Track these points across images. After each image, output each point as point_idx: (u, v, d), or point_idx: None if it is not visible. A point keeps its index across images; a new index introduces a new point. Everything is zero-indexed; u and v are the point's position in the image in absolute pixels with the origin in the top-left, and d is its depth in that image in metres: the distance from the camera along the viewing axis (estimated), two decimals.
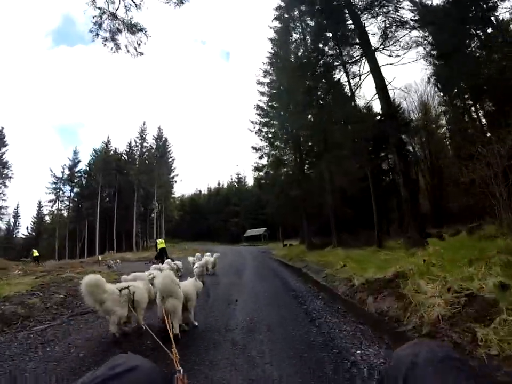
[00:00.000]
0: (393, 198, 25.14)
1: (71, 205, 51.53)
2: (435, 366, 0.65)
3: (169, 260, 10.94)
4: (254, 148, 28.29)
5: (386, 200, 26.50)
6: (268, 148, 28.17)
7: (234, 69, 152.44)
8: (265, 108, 28.42)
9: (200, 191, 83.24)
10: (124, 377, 0.62)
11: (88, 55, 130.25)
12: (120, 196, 49.76)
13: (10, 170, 45.89)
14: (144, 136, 53.55)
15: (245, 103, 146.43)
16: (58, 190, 50.01)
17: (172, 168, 56.59)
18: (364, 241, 18.46)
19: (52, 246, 46.58)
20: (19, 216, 55.66)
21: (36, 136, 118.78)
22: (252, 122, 28.35)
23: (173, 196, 59.63)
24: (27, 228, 54.66)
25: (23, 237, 54.85)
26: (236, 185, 73.53)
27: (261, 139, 28.32)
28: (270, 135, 28.17)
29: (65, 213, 51.60)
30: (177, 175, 56.95)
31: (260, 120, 28.58)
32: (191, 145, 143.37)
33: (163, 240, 18.75)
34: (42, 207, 52.34)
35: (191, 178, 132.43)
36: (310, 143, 24.24)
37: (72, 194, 51.31)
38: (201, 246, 48.35)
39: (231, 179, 75.97)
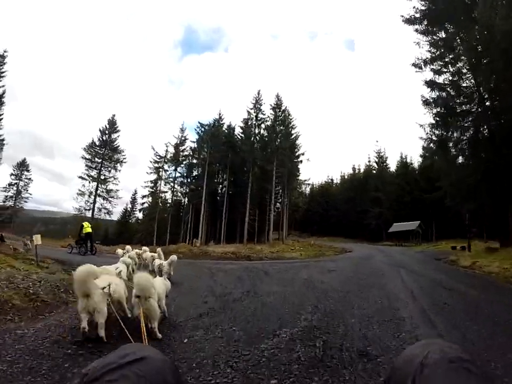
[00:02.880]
0: None
1: (175, 186, 48.34)
2: (445, 367, 0.65)
3: (131, 253, 9.27)
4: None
5: None
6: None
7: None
8: None
9: (331, 180, 73.60)
10: (134, 366, 0.63)
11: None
12: (231, 176, 44.00)
13: (123, 155, 47.52)
14: (259, 106, 45.51)
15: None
16: (160, 170, 47.40)
17: (296, 145, 47.44)
18: None
19: (150, 230, 44.63)
20: (136, 201, 56.40)
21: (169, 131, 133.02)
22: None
23: (297, 179, 50.15)
24: (142, 211, 53.46)
25: (139, 222, 55.24)
26: (376, 165, 59.78)
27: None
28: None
29: (168, 195, 49.32)
30: (303, 153, 47.39)
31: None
32: (320, 132, 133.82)
33: (89, 224, 17.41)
34: (157, 192, 49.99)
35: (321, 165, 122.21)
36: None
37: (177, 175, 48.13)
38: (330, 243, 38.14)
39: (369, 161, 62.47)
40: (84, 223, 17.03)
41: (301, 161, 47.67)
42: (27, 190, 49.73)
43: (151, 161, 47.62)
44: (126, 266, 6.39)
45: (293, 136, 47.64)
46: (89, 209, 44.32)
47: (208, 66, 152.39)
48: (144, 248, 10.52)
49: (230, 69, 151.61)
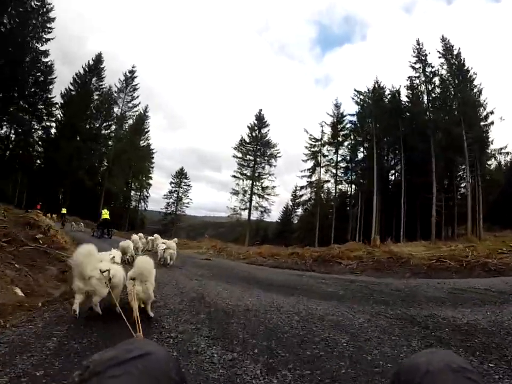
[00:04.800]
0: None
1: (337, 173, 41.76)
2: (448, 376, 0.66)
3: (135, 236, 10.59)
4: None
5: None
6: None
7: None
8: None
9: None
10: (138, 362, 0.63)
11: None
12: (406, 154, 35.26)
13: (276, 150, 45.79)
14: (423, 58, 36.24)
15: None
16: (318, 155, 41.90)
17: (481, 102, 34.82)
18: None
19: (310, 227, 39.67)
20: (296, 198, 50.82)
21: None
22: None
23: (490, 149, 36.03)
24: (301, 206, 48.29)
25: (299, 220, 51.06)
26: None
27: None
28: None
29: (331, 185, 43.29)
30: (492, 112, 34.39)
31: None
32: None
33: (108, 211, 18.98)
34: (316, 182, 44.11)
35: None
36: None
37: (339, 158, 41.75)
38: None
39: None
40: (102, 210, 19.29)
41: (492, 122, 34.66)
42: (187, 196, 52.95)
43: (306, 147, 42.96)
44: (121, 252, 6.20)
45: (475, 90, 36.04)
46: (244, 209, 43.21)
47: (348, 56, 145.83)
48: (156, 235, 11.49)
49: (371, 53, 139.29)
